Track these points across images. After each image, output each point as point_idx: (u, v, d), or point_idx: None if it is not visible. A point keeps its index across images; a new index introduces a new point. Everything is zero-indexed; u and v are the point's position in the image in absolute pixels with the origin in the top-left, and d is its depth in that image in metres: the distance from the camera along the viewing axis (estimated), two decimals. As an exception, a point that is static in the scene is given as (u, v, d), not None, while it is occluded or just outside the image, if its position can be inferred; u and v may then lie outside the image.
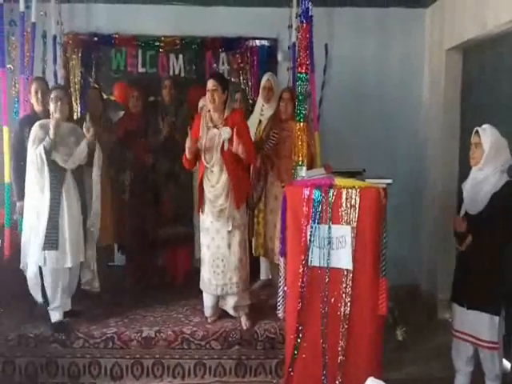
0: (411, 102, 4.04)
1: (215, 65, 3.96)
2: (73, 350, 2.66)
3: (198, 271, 2.89)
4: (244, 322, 2.77)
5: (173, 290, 3.31)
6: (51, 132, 2.56)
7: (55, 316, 2.70)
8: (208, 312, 2.84)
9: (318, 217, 2.28)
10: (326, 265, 2.28)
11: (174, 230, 3.32)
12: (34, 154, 2.57)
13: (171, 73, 3.91)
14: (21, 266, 2.71)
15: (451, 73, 3.67)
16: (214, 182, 2.66)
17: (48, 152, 2.56)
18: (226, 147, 2.61)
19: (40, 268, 2.63)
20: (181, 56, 3.92)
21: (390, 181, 2.35)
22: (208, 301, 2.82)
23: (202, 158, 2.70)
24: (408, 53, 4.02)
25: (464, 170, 3.43)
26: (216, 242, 2.69)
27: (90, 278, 2.88)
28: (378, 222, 2.22)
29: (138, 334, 2.70)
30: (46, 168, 2.57)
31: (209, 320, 2.83)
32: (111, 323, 2.81)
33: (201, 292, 2.85)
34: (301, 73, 2.64)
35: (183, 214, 3.34)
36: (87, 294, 2.97)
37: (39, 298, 2.69)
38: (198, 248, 2.96)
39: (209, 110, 2.73)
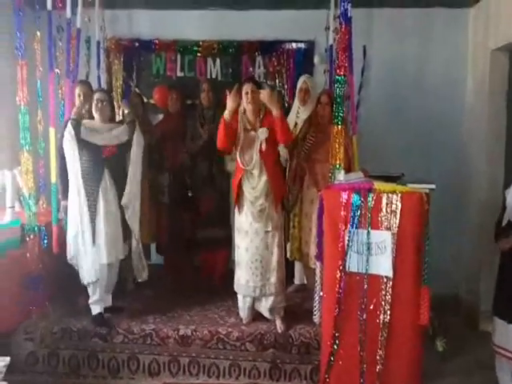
0: (454, 104, 3.89)
1: (251, 68, 3.98)
2: (113, 345, 2.75)
3: (233, 273, 2.91)
4: (279, 325, 2.77)
5: (208, 291, 3.34)
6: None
7: (95, 309, 2.80)
8: (243, 313, 2.86)
9: (356, 221, 2.25)
10: (364, 271, 2.24)
11: (212, 233, 3.33)
12: (66, 132, 2.67)
13: (208, 77, 3.97)
14: (68, 259, 2.80)
15: (497, 75, 3.52)
16: (255, 184, 2.71)
17: (76, 126, 2.64)
18: (264, 147, 2.66)
19: None
20: (218, 60, 3.97)
21: (433, 186, 2.29)
22: (244, 302, 2.84)
23: (239, 160, 2.73)
24: (450, 54, 3.88)
25: (510, 176, 3.28)
26: (254, 244, 2.72)
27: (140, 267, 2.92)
28: (420, 229, 2.17)
29: (175, 332, 2.75)
30: (78, 160, 2.65)
31: (244, 321, 2.85)
32: (150, 320, 2.88)
33: (236, 293, 2.88)
34: (339, 75, 2.61)
35: (221, 218, 3.35)
36: (127, 291, 3.04)
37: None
38: (233, 250, 2.99)
39: (244, 112, 2.77)
